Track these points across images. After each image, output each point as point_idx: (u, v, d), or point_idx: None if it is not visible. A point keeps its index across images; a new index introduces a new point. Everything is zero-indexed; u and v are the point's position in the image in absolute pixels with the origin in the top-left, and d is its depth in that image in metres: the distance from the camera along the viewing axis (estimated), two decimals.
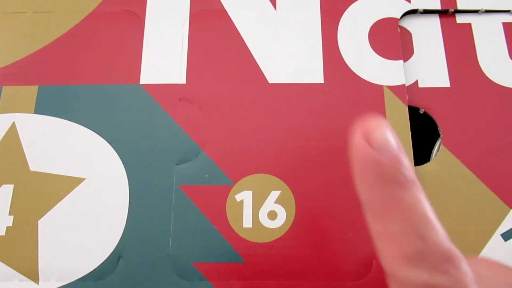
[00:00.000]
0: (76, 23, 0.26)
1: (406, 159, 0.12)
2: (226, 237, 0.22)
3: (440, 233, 0.12)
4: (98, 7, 0.27)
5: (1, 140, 0.24)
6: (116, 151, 0.24)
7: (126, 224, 0.22)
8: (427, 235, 0.12)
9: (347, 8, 0.26)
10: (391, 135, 0.12)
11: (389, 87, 0.24)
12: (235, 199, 0.23)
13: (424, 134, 0.24)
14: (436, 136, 0.24)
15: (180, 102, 0.24)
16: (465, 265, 0.12)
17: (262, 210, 0.22)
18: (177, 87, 0.25)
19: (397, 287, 0.12)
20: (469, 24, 0.26)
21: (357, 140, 0.12)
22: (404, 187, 0.12)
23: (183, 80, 0.25)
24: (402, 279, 0.12)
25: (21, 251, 0.22)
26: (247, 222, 0.22)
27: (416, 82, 0.25)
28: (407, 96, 0.24)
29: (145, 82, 0.25)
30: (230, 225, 0.22)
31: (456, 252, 0.12)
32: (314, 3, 0.26)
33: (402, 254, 0.12)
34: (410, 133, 0.23)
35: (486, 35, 0.26)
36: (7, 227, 0.22)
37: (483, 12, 0.26)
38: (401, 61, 0.25)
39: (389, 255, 0.12)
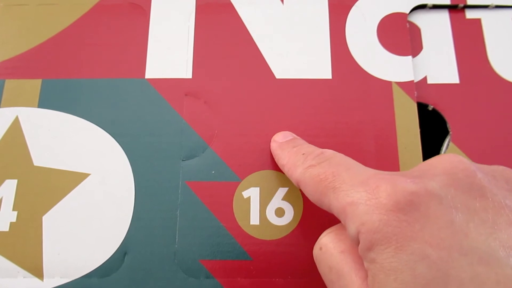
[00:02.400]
0: (80, 16, 0.26)
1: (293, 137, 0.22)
2: (233, 234, 0.22)
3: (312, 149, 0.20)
4: (103, 0, 0.26)
5: (4, 134, 0.24)
6: (121, 146, 0.23)
7: (131, 221, 0.22)
8: (304, 152, 0.20)
9: (355, 2, 0.26)
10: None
11: (398, 83, 0.24)
12: (242, 195, 0.22)
13: (433, 131, 0.24)
14: (445, 133, 0.24)
15: (186, 97, 0.24)
16: (330, 152, 0.19)
17: (269, 207, 0.22)
18: (183, 81, 0.24)
19: (301, 182, 0.19)
20: (479, 20, 0.26)
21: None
22: (292, 145, 0.21)
23: (189, 75, 0.24)
24: (300, 173, 0.19)
25: (25, 247, 0.22)
26: (254, 219, 0.22)
27: (425, 78, 0.25)
28: (416, 92, 0.24)
29: (151, 77, 0.25)
30: (237, 222, 0.22)
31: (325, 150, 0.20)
32: None
33: (296, 165, 0.19)
34: (418, 130, 0.23)
35: (496, 31, 0.26)
36: (11, 223, 0.22)
37: (493, 7, 0.26)
38: (410, 57, 0.25)
39: (289, 171, 0.20)
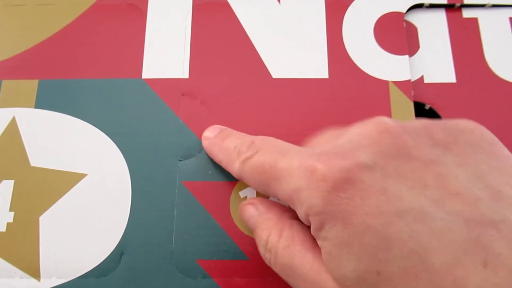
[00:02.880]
0: (77, 16, 0.26)
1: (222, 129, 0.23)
2: (229, 234, 0.22)
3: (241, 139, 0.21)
4: (100, 0, 0.26)
5: (1, 135, 0.24)
6: (118, 146, 0.23)
7: (128, 221, 0.22)
8: (235, 144, 0.20)
9: (352, 2, 0.26)
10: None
11: (395, 82, 0.24)
12: (239, 195, 0.22)
13: None
14: None
15: (183, 97, 0.24)
16: (259, 139, 0.20)
17: None
18: (180, 81, 0.24)
19: (242, 177, 0.20)
20: (476, 19, 0.26)
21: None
22: (222, 139, 0.22)
23: (185, 75, 0.24)
24: (238, 168, 0.20)
25: (22, 248, 0.22)
26: None
27: (422, 77, 0.25)
28: (412, 91, 0.24)
29: (148, 77, 0.25)
30: (233, 222, 0.22)
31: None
32: None
33: (231, 160, 0.20)
34: None
35: (492, 30, 0.26)
36: (8, 223, 0.22)
37: (490, 6, 0.26)
38: (407, 56, 0.25)
39: (227, 167, 0.21)
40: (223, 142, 0.22)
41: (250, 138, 0.20)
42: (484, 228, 0.14)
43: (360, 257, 0.15)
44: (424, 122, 0.17)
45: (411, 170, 0.15)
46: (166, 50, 0.25)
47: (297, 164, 0.17)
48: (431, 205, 0.15)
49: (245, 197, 0.22)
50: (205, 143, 0.23)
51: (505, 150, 0.17)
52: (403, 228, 0.14)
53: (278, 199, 0.18)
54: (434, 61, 0.25)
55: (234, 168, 0.20)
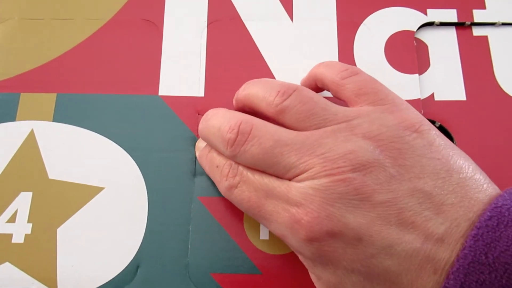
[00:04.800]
0: (94, 31, 0.27)
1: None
2: (243, 248, 0.22)
3: (222, 160, 0.21)
4: (116, 16, 0.27)
5: (20, 147, 0.24)
6: (135, 161, 0.24)
7: (144, 234, 0.23)
8: (217, 163, 0.21)
9: (363, 20, 0.26)
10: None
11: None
12: None
13: None
14: None
15: (199, 116, 0.24)
16: (240, 170, 0.20)
17: None
18: (196, 100, 0.25)
19: (231, 200, 0.21)
20: (486, 37, 0.26)
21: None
22: (207, 153, 0.22)
23: (201, 93, 0.25)
24: (225, 193, 0.21)
25: (39, 259, 0.22)
26: (264, 234, 0.22)
27: (432, 94, 0.25)
28: (422, 110, 0.25)
29: (164, 94, 0.25)
30: (247, 237, 0.22)
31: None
32: (331, 15, 0.26)
33: (217, 181, 0.21)
34: None
35: (502, 48, 0.26)
36: (26, 235, 0.23)
37: (500, 25, 0.27)
38: (417, 75, 0.25)
39: (215, 183, 0.22)
40: (208, 155, 0.22)
41: (229, 162, 0.21)
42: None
43: None
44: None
45: (381, 207, 0.17)
46: (182, 67, 0.26)
47: (282, 215, 0.18)
48: (394, 239, 0.17)
49: None
50: (196, 153, 0.24)
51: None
52: (379, 265, 0.17)
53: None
54: (445, 78, 0.25)
55: (221, 188, 0.21)
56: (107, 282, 0.22)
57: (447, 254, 0.16)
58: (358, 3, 0.27)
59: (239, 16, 0.27)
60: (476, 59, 0.26)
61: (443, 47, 0.26)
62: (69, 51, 0.26)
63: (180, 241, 0.22)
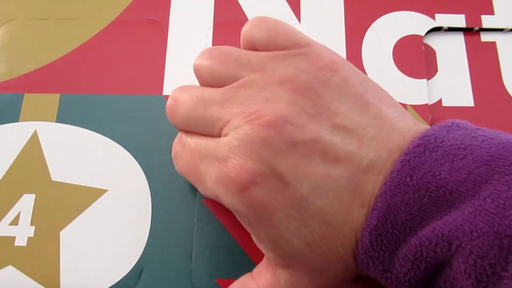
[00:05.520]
0: (98, 31, 0.26)
1: None
2: (249, 253, 0.22)
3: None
4: (121, 16, 0.27)
5: (23, 148, 0.24)
6: (139, 163, 0.24)
7: (148, 238, 0.22)
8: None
9: (371, 23, 0.26)
10: None
11: (413, 106, 0.24)
12: None
13: None
14: None
15: None
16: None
17: None
18: None
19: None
20: (494, 43, 0.26)
21: None
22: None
23: None
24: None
25: (42, 263, 0.22)
26: None
27: (440, 100, 0.25)
28: (430, 115, 0.24)
29: (169, 94, 0.25)
30: (253, 242, 0.22)
31: None
32: (339, 17, 0.26)
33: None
34: None
35: (511, 54, 0.26)
36: (29, 238, 0.22)
37: (508, 30, 0.26)
38: (425, 80, 0.25)
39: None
40: None
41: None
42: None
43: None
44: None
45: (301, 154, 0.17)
46: (187, 67, 0.25)
47: (213, 173, 0.18)
48: (321, 178, 0.17)
49: None
50: None
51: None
52: (311, 207, 0.17)
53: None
54: (452, 84, 0.25)
55: (176, 168, 0.21)
56: (110, 287, 0.22)
57: (371, 186, 0.17)
58: (366, 5, 0.27)
59: (246, 17, 0.26)
60: (484, 65, 0.26)
61: (451, 52, 0.26)
62: (73, 51, 0.26)
63: (184, 245, 0.22)
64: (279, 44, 0.19)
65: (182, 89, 0.21)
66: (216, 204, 0.23)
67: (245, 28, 0.21)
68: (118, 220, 0.23)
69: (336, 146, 0.17)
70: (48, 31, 0.26)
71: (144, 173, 0.23)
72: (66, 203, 0.23)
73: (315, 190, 0.17)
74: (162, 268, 0.22)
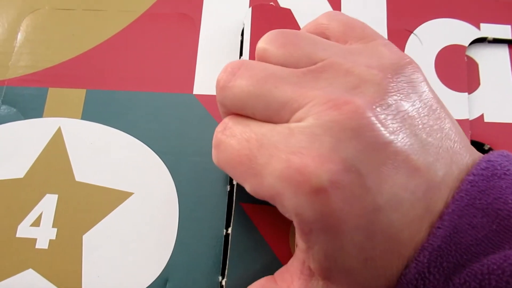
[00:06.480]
0: (127, 24, 0.25)
1: None
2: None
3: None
4: (151, 8, 0.25)
5: (46, 145, 0.23)
6: (166, 165, 0.23)
7: (175, 245, 0.21)
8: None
9: (414, 29, 0.25)
10: None
11: None
12: None
13: None
14: None
15: None
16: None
17: None
18: None
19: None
20: None
21: None
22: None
23: None
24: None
25: (64, 267, 0.21)
26: None
27: (482, 116, 0.24)
28: (470, 131, 0.23)
29: (199, 93, 0.24)
30: (291, 254, 0.21)
31: None
32: (381, 21, 0.25)
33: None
34: None
35: None
36: (50, 240, 0.21)
37: None
38: (466, 93, 0.24)
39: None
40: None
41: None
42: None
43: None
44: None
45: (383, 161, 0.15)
46: (220, 65, 0.24)
47: (279, 166, 0.15)
48: (400, 188, 0.15)
49: None
50: None
51: None
52: (384, 220, 0.15)
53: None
54: (495, 99, 0.24)
55: (213, 158, 0.18)
56: None
57: (442, 203, 0.15)
58: (409, 10, 0.25)
59: (283, 19, 0.25)
60: None
61: (495, 65, 0.25)
62: (101, 45, 0.25)
63: (213, 255, 0.21)
64: (356, 35, 0.18)
65: (244, 62, 0.17)
66: (255, 209, 0.21)
67: (320, 19, 0.19)
68: (143, 226, 0.22)
69: (417, 154, 0.15)
70: (74, 22, 0.25)
71: (172, 176, 0.22)
72: (90, 205, 0.22)
73: (392, 201, 0.15)
74: (189, 278, 0.21)
